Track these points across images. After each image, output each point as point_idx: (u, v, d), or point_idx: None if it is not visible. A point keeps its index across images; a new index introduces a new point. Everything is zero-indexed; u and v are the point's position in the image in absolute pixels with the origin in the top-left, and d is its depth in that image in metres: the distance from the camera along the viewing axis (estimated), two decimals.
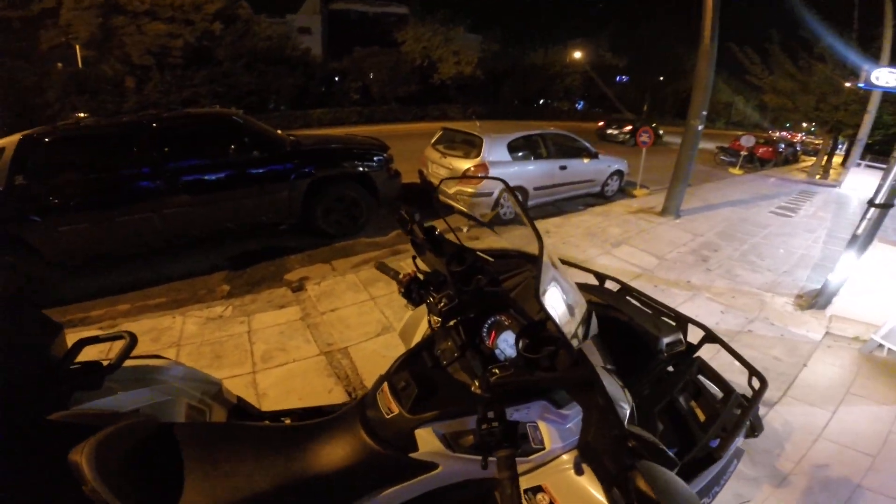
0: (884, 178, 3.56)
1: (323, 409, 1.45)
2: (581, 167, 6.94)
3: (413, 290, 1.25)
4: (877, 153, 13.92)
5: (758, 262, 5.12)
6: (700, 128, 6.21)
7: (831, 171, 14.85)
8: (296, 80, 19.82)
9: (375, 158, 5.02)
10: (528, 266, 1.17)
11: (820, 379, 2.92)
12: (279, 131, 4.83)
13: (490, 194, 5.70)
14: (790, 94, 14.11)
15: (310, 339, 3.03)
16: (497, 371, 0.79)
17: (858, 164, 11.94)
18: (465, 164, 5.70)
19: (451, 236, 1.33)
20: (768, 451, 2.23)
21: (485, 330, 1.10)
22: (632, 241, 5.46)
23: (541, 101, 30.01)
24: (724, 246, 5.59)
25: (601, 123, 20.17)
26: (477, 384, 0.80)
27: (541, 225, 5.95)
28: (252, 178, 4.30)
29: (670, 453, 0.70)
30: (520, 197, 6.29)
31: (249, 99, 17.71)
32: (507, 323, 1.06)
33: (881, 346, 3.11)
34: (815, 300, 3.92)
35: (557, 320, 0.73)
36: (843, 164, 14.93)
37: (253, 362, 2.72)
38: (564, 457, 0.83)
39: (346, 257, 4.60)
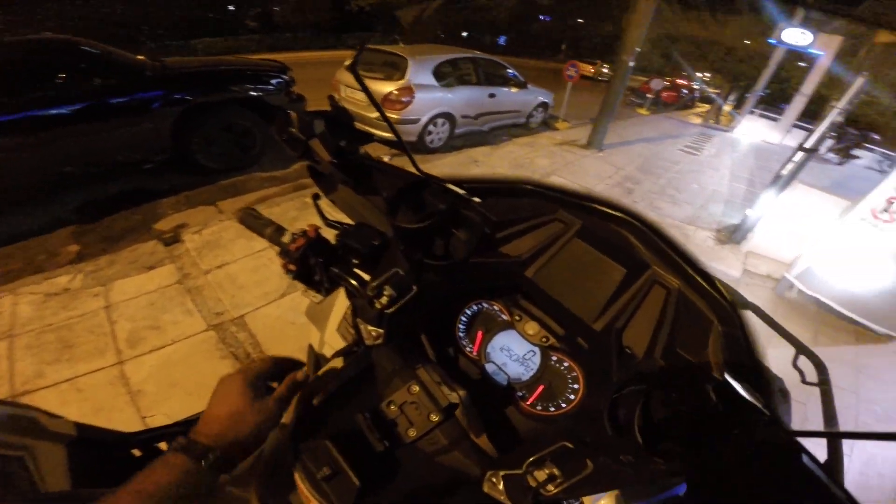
0: (816, 126, 3.71)
1: None
2: (510, 96, 6.71)
3: (315, 267, 0.67)
4: (767, 104, 15.63)
5: (676, 196, 5.34)
6: (631, 64, 6.15)
7: (722, 118, 16.43)
8: (177, 9, 16.68)
9: (273, 81, 4.35)
10: (558, 212, 0.66)
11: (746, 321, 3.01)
12: (140, 56, 3.92)
13: (417, 121, 5.22)
14: (701, 43, 15.10)
15: (191, 308, 2.41)
16: (557, 474, 0.39)
17: (752, 112, 13.20)
18: (386, 88, 5.06)
19: (392, 159, 0.79)
20: None
21: (461, 327, 0.67)
22: (560, 172, 5.45)
23: (464, 34, 28.57)
24: (644, 180, 5.80)
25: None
26: (504, 497, 0.41)
27: (468, 154, 5.65)
28: (94, 111, 3.42)
29: None
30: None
31: (117, 32, 14.74)
32: (505, 319, 0.67)
33: (792, 285, 3.24)
34: (733, 235, 4.07)
35: None
36: (732, 112, 16.58)
37: (117, 349, 2.11)
38: (603, 501, 0.52)
39: (237, 196, 3.86)
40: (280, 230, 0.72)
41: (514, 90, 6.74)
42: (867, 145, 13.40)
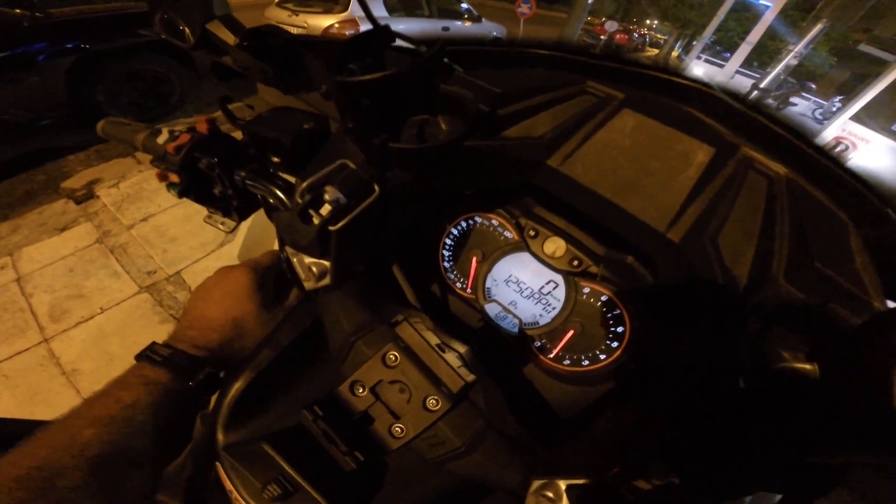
0: (772, 69, 3.80)
1: None
2: (464, 30, 6.41)
3: (213, 175, 0.46)
4: (710, 51, 16.15)
5: None
6: (590, 0, 6.16)
7: (670, 62, 16.81)
8: None
9: None
10: (587, 83, 0.43)
11: None
12: (17, 10, 3.41)
13: None
14: None
15: (118, 270, 2.14)
16: (677, 483, 0.23)
17: (699, 58, 13.48)
18: (326, 21, 4.53)
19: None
20: None
21: (446, 254, 0.49)
22: None
23: None
24: None
25: None
26: None
27: None
28: None
29: None
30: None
31: None
32: (510, 237, 0.47)
33: None
34: None
35: None
36: (678, 57, 17.04)
37: (39, 326, 1.87)
38: None
39: None
40: (156, 132, 0.49)
41: (467, 24, 6.44)
42: (804, 94, 14.24)
